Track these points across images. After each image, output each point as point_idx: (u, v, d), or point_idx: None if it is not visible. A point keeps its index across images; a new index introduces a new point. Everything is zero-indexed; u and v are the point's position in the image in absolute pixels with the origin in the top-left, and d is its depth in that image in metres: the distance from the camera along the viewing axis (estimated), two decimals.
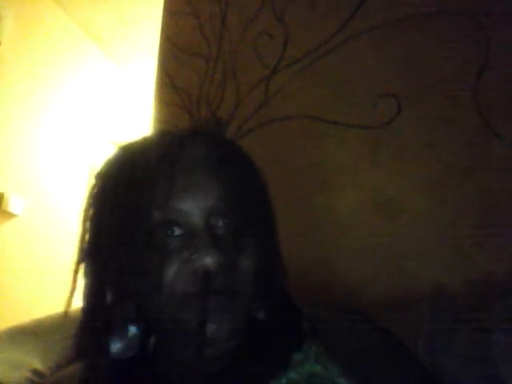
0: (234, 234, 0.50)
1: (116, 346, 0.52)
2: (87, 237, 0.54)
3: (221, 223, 0.50)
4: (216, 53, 1.17)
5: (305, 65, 1.03)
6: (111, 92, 2.94)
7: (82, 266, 0.54)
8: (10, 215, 2.13)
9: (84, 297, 0.53)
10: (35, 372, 0.73)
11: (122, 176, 0.53)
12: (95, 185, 0.55)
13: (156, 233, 0.49)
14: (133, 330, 0.53)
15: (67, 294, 0.54)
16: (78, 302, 0.56)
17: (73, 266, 0.54)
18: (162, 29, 1.32)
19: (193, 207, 0.49)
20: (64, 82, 2.52)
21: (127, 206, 0.50)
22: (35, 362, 0.75)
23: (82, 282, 0.56)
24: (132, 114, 3.08)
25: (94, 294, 0.52)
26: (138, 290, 0.50)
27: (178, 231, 0.49)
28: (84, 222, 0.55)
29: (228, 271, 0.48)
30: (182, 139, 0.54)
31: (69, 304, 0.56)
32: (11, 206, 2.11)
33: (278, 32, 1.08)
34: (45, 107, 2.38)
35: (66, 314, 0.56)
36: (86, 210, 0.55)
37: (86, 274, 0.53)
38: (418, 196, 0.87)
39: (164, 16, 1.34)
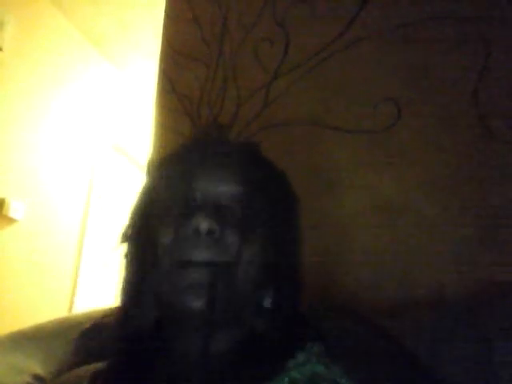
0: (238, 218, 0.54)
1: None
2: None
3: (230, 207, 0.55)
4: (217, 58, 1.17)
5: (305, 70, 1.03)
6: (112, 97, 2.95)
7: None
8: (11, 220, 2.13)
9: (124, 273, 0.59)
10: (36, 377, 0.73)
11: (163, 169, 0.61)
12: (146, 175, 0.64)
13: (177, 205, 0.55)
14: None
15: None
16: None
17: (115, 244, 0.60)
18: (163, 34, 1.33)
19: (208, 187, 0.55)
20: (65, 87, 2.53)
21: (161, 188, 0.58)
22: (36, 366, 0.75)
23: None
24: (133, 118, 3.09)
25: (132, 270, 0.58)
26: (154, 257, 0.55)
27: (193, 204, 0.55)
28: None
29: (217, 244, 0.52)
30: (213, 144, 0.62)
31: None
32: (12, 211, 2.11)
33: (279, 37, 1.08)
34: (46, 112, 2.39)
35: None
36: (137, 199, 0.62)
37: (126, 254, 0.59)
38: (418, 199, 0.87)
39: (165, 21, 1.34)
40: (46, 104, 2.39)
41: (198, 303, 0.49)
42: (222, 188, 0.55)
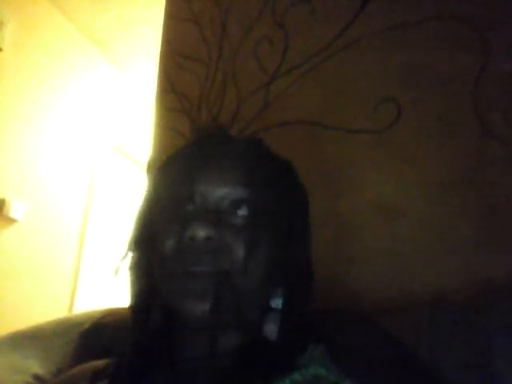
0: (240, 220, 0.54)
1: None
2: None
3: (230, 209, 0.54)
4: (216, 58, 1.17)
5: (305, 70, 1.03)
6: (112, 97, 2.95)
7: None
8: (11, 221, 2.13)
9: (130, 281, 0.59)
10: (36, 377, 0.73)
11: (163, 173, 0.61)
12: (150, 176, 0.65)
13: (177, 209, 0.55)
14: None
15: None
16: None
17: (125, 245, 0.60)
18: (163, 33, 1.33)
19: (209, 191, 0.54)
20: (65, 87, 2.53)
21: (163, 194, 0.58)
22: (36, 366, 0.75)
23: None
24: (132, 118, 3.09)
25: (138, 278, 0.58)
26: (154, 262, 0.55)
27: (191, 208, 0.54)
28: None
29: (216, 250, 0.51)
30: (213, 143, 0.60)
31: None
32: (12, 211, 2.11)
33: (278, 37, 1.08)
34: (46, 112, 2.39)
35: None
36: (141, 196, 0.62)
37: (133, 253, 0.59)
38: (418, 199, 0.87)
39: (165, 21, 1.34)
40: (46, 104, 2.39)
41: (199, 310, 0.49)
42: (222, 190, 0.54)
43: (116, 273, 0.58)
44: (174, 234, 0.53)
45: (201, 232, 0.50)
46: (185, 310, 0.50)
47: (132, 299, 0.58)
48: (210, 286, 0.50)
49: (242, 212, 0.54)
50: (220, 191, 0.54)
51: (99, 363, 0.59)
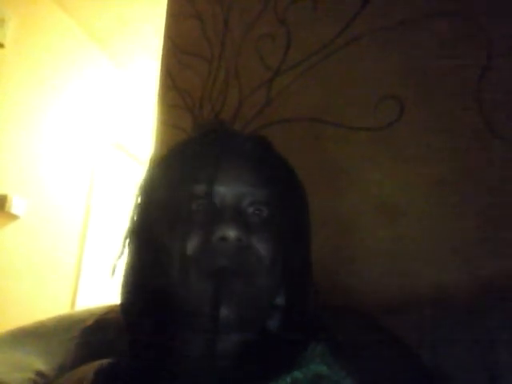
0: (261, 221, 0.53)
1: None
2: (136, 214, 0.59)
3: (251, 210, 0.54)
4: (218, 54, 1.17)
5: (307, 67, 1.03)
6: (113, 94, 2.95)
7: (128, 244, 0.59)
8: (13, 217, 2.14)
9: (126, 273, 0.58)
10: (39, 373, 0.73)
11: (165, 168, 0.59)
12: (148, 171, 0.62)
13: (192, 207, 0.53)
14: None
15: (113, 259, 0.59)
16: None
17: (121, 239, 0.59)
18: (165, 30, 1.33)
19: (228, 190, 0.53)
20: (66, 84, 2.53)
21: (164, 189, 0.56)
22: (38, 363, 0.75)
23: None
24: (134, 115, 3.08)
25: (135, 270, 0.57)
26: (166, 261, 0.53)
27: (215, 209, 0.53)
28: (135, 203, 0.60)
29: (244, 251, 0.51)
30: (230, 137, 0.60)
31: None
32: (14, 207, 2.12)
33: (280, 34, 1.08)
34: (47, 109, 2.39)
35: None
36: (138, 191, 0.60)
37: (130, 249, 0.58)
38: (419, 198, 0.87)
39: (167, 18, 1.34)
40: (48, 100, 2.39)
41: (230, 313, 0.49)
42: (241, 190, 0.53)
43: (113, 271, 0.57)
44: (196, 233, 0.51)
45: (231, 233, 0.49)
46: (212, 313, 0.49)
47: (128, 297, 0.57)
48: (240, 286, 0.50)
49: (261, 212, 0.54)
50: (238, 191, 0.53)
51: (100, 364, 0.59)
